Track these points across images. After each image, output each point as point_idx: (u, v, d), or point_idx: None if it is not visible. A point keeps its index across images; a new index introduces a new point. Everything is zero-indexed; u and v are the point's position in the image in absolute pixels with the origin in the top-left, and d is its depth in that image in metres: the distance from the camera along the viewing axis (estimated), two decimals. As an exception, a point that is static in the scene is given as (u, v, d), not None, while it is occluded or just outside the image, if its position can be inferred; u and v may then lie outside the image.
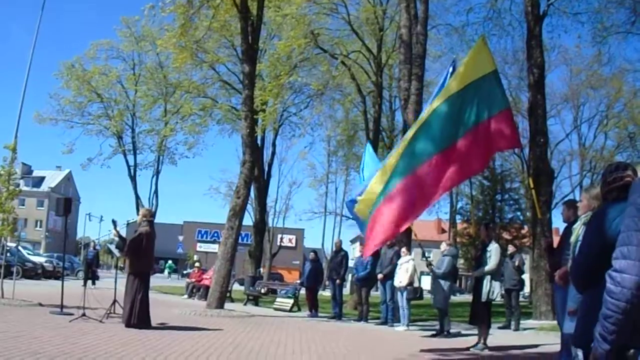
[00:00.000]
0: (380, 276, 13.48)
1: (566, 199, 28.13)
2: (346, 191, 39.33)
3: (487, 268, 9.48)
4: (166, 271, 56.32)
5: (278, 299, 17.82)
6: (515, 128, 9.12)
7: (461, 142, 8.18)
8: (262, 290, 20.03)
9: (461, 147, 8.18)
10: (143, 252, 9.95)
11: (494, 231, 10.99)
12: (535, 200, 9.88)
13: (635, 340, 2.41)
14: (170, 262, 58.93)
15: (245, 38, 15.55)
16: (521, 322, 13.58)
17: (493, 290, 9.48)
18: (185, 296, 20.85)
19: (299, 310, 16.83)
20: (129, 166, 32.85)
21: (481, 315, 9.63)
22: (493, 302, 9.92)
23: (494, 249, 9.63)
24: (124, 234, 10.88)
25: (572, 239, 5.55)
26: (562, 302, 6.19)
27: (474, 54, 8.59)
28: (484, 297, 9.42)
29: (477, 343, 9.62)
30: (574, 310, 4.84)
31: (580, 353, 2.93)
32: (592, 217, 3.21)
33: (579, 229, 5.34)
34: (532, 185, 10.32)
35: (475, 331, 10.04)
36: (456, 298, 14.47)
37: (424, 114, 8.66)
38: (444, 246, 11.93)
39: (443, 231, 56.41)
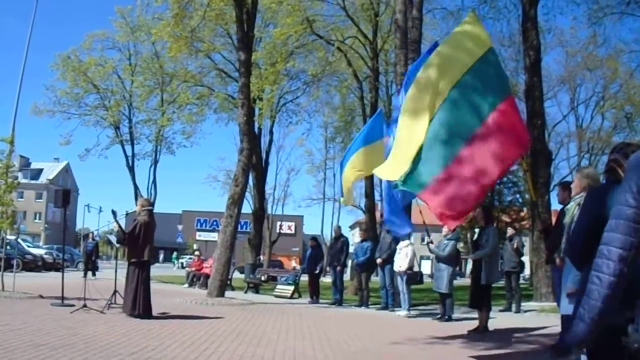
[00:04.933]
0: (378, 261, 13.50)
1: (563, 180, 28.16)
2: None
3: (484, 251, 9.52)
4: (174, 261, 56.32)
5: (278, 286, 17.87)
6: (522, 122, 8.28)
7: (477, 142, 7.01)
8: (263, 278, 20.08)
9: (478, 148, 7.01)
10: (143, 241, 9.95)
11: (491, 214, 10.99)
12: (530, 183, 9.87)
13: (624, 315, 2.42)
14: (175, 253, 58.99)
15: (240, 26, 15.49)
16: (522, 304, 13.64)
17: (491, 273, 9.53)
18: (186, 285, 20.90)
19: (300, 297, 16.89)
20: (126, 156, 32.98)
21: (481, 298, 9.67)
22: (493, 285, 9.96)
23: (491, 231, 9.67)
24: (123, 224, 10.85)
25: (566, 220, 5.58)
26: (560, 283, 6.23)
27: (468, 30, 7.58)
28: (483, 280, 9.46)
29: (478, 326, 9.67)
30: (573, 291, 4.88)
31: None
32: (587, 196, 3.21)
33: (572, 210, 5.36)
34: (526, 168, 10.27)
35: (476, 315, 10.08)
36: (456, 282, 14.41)
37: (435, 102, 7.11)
38: (445, 230, 11.86)
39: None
